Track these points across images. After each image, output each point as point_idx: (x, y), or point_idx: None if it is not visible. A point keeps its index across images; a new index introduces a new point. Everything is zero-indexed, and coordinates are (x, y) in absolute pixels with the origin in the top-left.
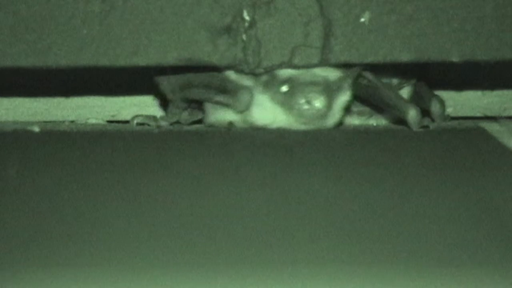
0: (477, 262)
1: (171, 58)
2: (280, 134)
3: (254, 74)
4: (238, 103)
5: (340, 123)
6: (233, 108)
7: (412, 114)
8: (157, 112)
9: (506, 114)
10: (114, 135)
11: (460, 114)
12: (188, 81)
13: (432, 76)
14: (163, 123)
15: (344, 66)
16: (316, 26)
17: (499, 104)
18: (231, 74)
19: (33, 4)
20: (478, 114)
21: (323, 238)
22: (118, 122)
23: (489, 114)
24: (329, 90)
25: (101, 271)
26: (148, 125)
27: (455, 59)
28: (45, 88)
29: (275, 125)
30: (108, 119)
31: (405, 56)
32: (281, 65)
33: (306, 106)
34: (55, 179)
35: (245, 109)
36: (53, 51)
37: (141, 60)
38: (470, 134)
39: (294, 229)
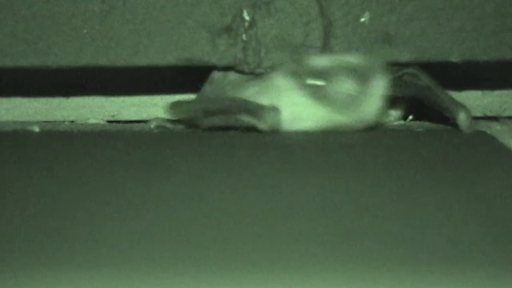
0: (477, 261)
1: (171, 58)
2: (280, 135)
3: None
4: (264, 124)
5: (381, 117)
6: (259, 128)
7: (462, 116)
8: (157, 112)
9: (506, 114)
10: (114, 135)
11: None
12: (206, 109)
13: (432, 76)
14: (180, 127)
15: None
16: (316, 26)
17: (499, 104)
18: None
19: (33, 4)
20: (478, 114)
21: (323, 238)
22: (118, 122)
23: (489, 114)
24: (360, 75)
25: (101, 271)
26: (165, 127)
27: (455, 59)
28: (45, 88)
29: (319, 124)
30: (108, 119)
31: (405, 56)
32: (281, 65)
33: (336, 92)
34: (55, 179)
35: (273, 129)
36: (53, 51)
37: (141, 60)
38: (470, 134)
39: (294, 229)
